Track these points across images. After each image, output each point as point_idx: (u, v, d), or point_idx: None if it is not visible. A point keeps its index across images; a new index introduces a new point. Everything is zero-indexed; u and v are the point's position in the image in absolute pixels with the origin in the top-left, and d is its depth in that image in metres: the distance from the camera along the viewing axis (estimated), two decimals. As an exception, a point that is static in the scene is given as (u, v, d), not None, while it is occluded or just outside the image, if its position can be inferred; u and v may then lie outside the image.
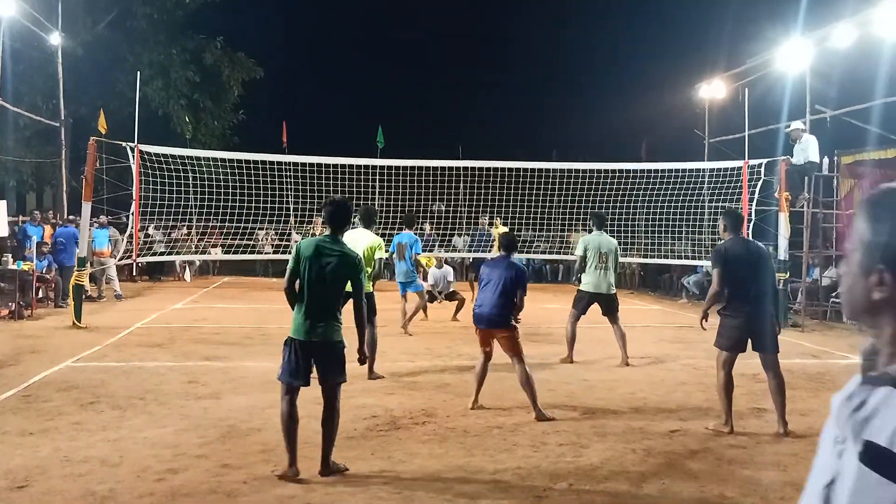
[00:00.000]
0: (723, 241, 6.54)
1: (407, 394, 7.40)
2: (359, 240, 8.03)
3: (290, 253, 19.57)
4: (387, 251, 9.48)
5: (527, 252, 19.30)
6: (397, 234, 11.78)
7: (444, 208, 17.67)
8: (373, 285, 8.13)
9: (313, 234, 18.14)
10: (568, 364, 9.18)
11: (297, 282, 5.01)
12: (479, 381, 6.89)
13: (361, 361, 5.27)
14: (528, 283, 6.97)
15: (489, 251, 16.14)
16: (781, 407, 6.22)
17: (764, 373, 6.36)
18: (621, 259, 17.56)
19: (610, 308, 9.33)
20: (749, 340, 6.29)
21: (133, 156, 13.22)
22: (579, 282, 9.66)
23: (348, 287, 5.07)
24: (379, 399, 6.97)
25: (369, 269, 8.08)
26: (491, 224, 17.41)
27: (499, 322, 6.72)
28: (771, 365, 6.27)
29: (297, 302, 5.02)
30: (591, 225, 9.82)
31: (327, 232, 5.21)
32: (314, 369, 5.00)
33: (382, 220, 18.28)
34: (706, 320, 6.50)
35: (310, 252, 5.00)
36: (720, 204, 15.40)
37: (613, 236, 15.40)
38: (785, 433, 6.12)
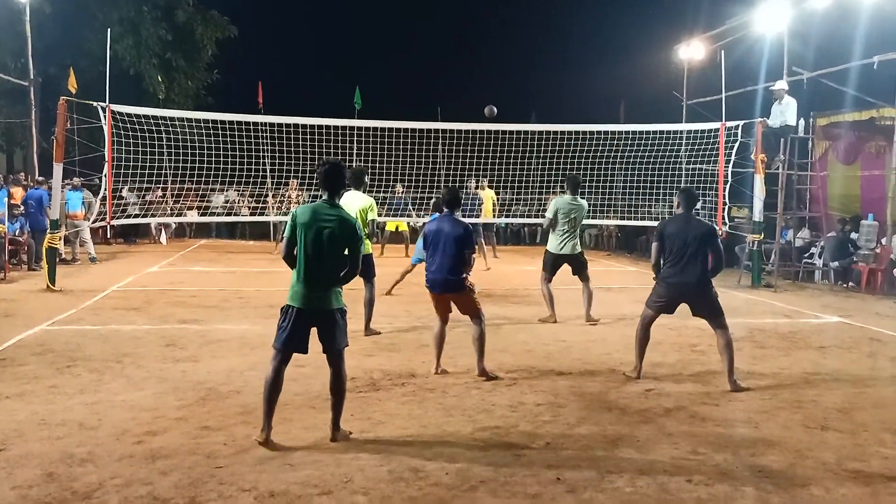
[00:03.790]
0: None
1: (386, 355, 7.44)
2: (351, 202, 8.19)
3: (266, 215, 19.41)
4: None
5: (506, 216, 19.34)
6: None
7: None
8: (371, 245, 8.41)
9: (288, 197, 18.01)
10: (551, 323, 9.36)
11: (295, 249, 4.91)
12: (440, 346, 6.80)
13: None
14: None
15: (477, 216, 16.09)
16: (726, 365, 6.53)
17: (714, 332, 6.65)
18: (600, 221, 17.81)
19: (579, 267, 9.54)
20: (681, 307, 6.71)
21: (104, 116, 12.98)
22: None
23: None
24: (359, 361, 7.00)
25: (365, 230, 8.21)
26: (478, 187, 17.38)
27: (454, 285, 6.61)
28: (717, 327, 6.62)
29: (295, 269, 4.91)
30: (566, 188, 9.83)
31: (324, 196, 4.98)
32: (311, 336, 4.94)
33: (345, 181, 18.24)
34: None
35: (306, 218, 4.86)
36: (698, 166, 15.50)
37: (591, 198, 15.48)
38: (733, 389, 6.37)
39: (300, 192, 17.71)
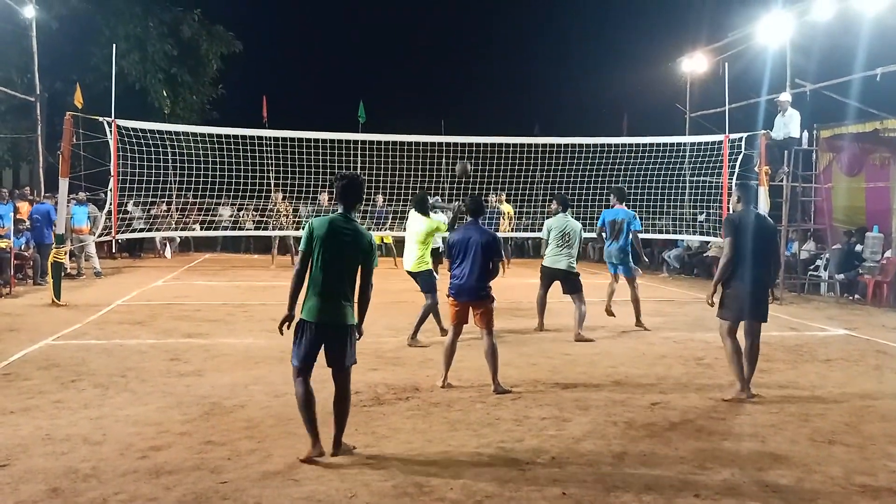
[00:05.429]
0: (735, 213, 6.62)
1: (390, 369, 7.43)
2: (412, 225, 8.79)
3: (270, 228, 19.35)
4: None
5: (511, 230, 19.36)
6: (608, 208, 10.72)
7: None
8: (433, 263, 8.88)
9: (277, 211, 18.00)
10: (544, 334, 9.54)
11: (309, 262, 4.83)
12: (449, 359, 6.81)
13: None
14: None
15: (496, 230, 16.27)
16: (750, 372, 6.51)
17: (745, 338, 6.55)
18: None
19: (571, 287, 9.52)
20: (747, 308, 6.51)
21: (110, 131, 13.05)
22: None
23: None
24: (362, 375, 6.98)
25: (425, 249, 8.67)
26: (497, 200, 17.73)
27: (481, 293, 6.67)
28: (755, 332, 6.50)
29: (309, 283, 4.82)
30: (557, 206, 9.90)
31: (339, 209, 4.94)
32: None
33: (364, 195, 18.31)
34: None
35: (323, 231, 4.80)
36: (701, 178, 15.49)
37: (594, 210, 15.53)
38: (748, 396, 6.43)
39: (287, 205, 17.70)
